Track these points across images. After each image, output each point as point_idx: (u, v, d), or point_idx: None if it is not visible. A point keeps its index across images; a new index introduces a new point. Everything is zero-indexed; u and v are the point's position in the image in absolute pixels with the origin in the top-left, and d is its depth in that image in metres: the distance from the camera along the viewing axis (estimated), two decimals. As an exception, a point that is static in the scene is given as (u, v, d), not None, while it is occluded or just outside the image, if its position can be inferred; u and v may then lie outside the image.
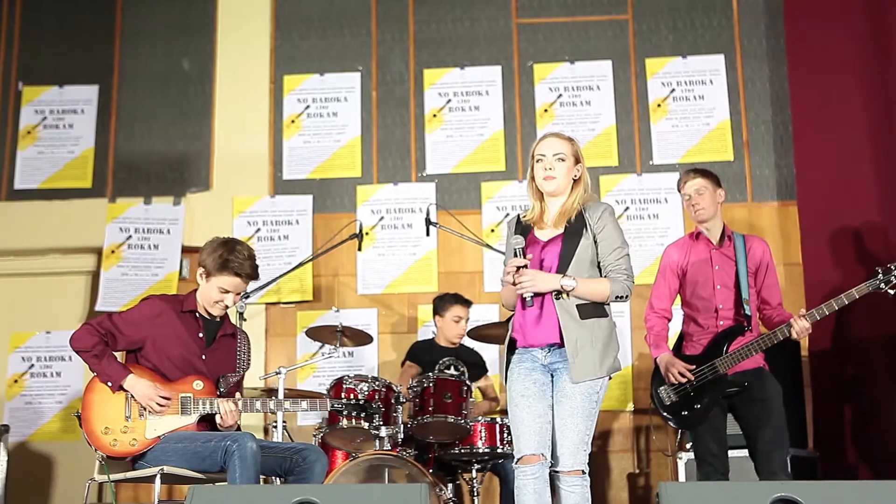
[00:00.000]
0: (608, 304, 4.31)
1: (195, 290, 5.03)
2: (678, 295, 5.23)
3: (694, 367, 4.96)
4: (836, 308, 4.81)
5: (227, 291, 4.92)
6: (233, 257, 4.89)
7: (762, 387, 4.90)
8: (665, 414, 5.14)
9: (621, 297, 4.25)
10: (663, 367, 5.03)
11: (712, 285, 5.05)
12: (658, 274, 5.26)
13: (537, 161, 4.35)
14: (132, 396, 4.71)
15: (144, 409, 4.71)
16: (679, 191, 5.23)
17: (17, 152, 7.80)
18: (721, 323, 5.01)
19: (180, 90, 7.89)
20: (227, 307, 4.99)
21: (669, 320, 5.21)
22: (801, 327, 4.80)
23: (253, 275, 4.98)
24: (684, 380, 4.96)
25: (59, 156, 7.79)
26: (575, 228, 4.29)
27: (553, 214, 4.36)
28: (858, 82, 6.81)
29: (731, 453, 5.01)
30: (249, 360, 5.15)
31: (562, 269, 4.22)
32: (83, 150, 7.79)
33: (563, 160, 4.32)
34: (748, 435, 4.90)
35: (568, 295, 4.20)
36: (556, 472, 4.21)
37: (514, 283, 4.18)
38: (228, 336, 5.07)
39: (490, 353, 6.87)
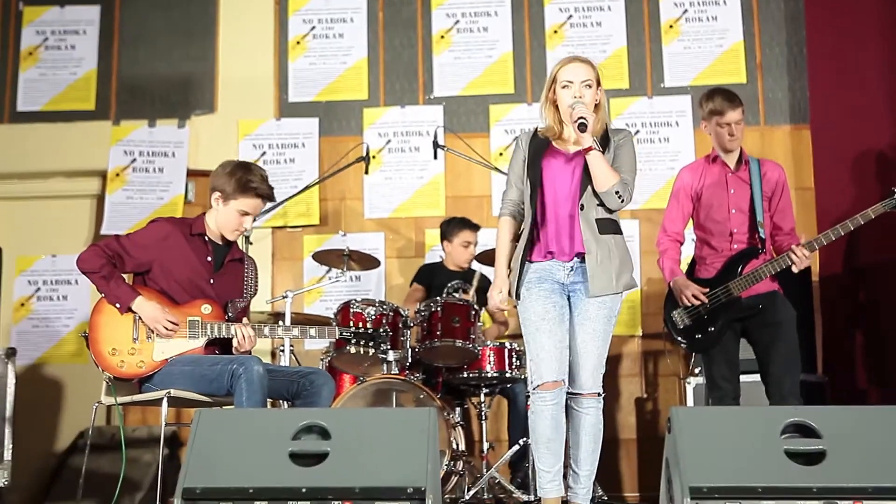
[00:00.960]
0: (618, 221, 4.34)
1: (203, 214, 4.97)
2: (691, 219, 5.17)
3: (707, 290, 4.93)
4: (852, 228, 4.76)
5: (247, 214, 4.86)
6: (252, 178, 4.82)
7: (776, 310, 4.88)
8: (678, 337, 5.12)
9: (620, 197, 4.20)
10: (677, 290, 5.00)
11: (727, 209, 5.00)
12: (671, 197, 5.19)
13: (563, 87, 4.28)
14: (140, 319, 4.69)
15: (152, 331, 4.69)
16: (708, 111, 5.05)
17: (19, 74, 7.70)
18: (735, 246, 4.97)
19: (183, 10, 7.75)
20: (245, 230, 4.95)
21: (682, 244, 5.17)
22: (797, 257, 4.75)
23: (271, 195, 4.94)
24: (698, 302, 4.92)
25: (62, 77, 7.69)
26: (600, 144, 4.26)
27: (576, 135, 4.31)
28: (875, 3, 6.68)
29: (742, 378, 4.99)
30: (257, 285, 5.12)
31: (584, 181, 4.23)
32: (85, 71, 7.69)
33: (589, 86, 4.27)
34: (760, 359, 4.89)
35: (588, 152, 4.17)
36: (574, 394, 4.24)
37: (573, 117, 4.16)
38: (236, 261, 5.03)
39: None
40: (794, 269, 4.82)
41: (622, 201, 4.23)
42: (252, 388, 4.46)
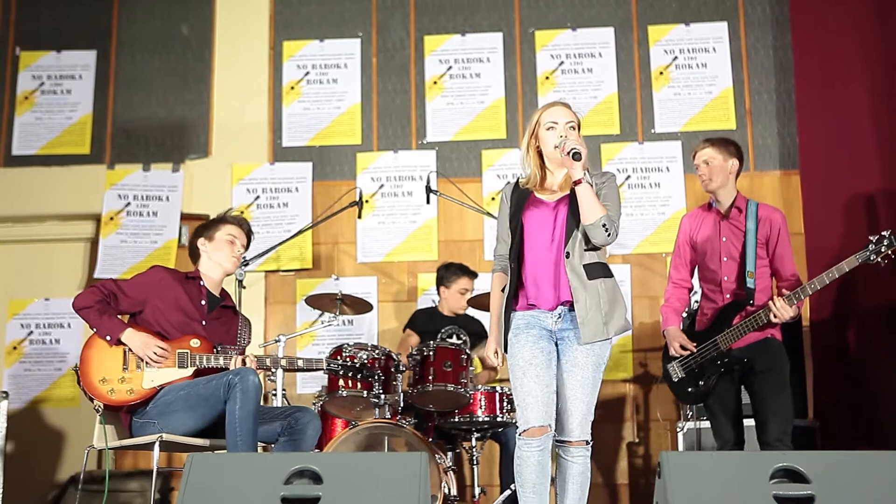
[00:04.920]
0: (608, 265, 4.32)
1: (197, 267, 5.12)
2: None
3: (696, 343, 4.94)
4: (827, 281, 4.69)
5: (234, 239, 5.11)
6: (224, 214, 5.23)
7: (765, 359, 4.84)
8: (672, 390, 5.15)
9: (607, 230, 4.16)
10: (668, 340, 5.01)
11: (719, 257, 4.97)
12: (675, 244, 5.21)
13: (548, 129, 4.31)
14: (130, 350, 4.74)
15: (142, 360, 4.73)
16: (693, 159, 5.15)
17: (15, 118, 7.75)
18: (727, 296, 4.93)
19: (179, 56, 7.83)
20: (241, 257, 5.22)
21: (690, 290, 5.15)
22: (777, 309, 4.71)
23: (244, 222, 5.25)
24: (686, 353, 4.95)
25: (57, 122, 7.74)
26: None
27: (559, 181, 4.35)
28: (862, 50, 6.76)
29: (745, 422, 4.97)
30: (249, 338, 5.19)
31: (570, 227, 4.22)
32: (81, 115, 7.74)
33: (574, 128, 4.31)
34: (753, 405, 4.86)
35: (578, 184, 4.16)
36: (562, 441, 4.21)
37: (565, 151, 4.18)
38: (229, 308, 5.13)
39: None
40: (774, 321, 4.75)
41: (608, 235, 4.17)
42: (246, 397, 4.51)
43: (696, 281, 5.19)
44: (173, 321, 4.87)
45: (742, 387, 4.95)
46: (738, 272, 4.93)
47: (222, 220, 5.18)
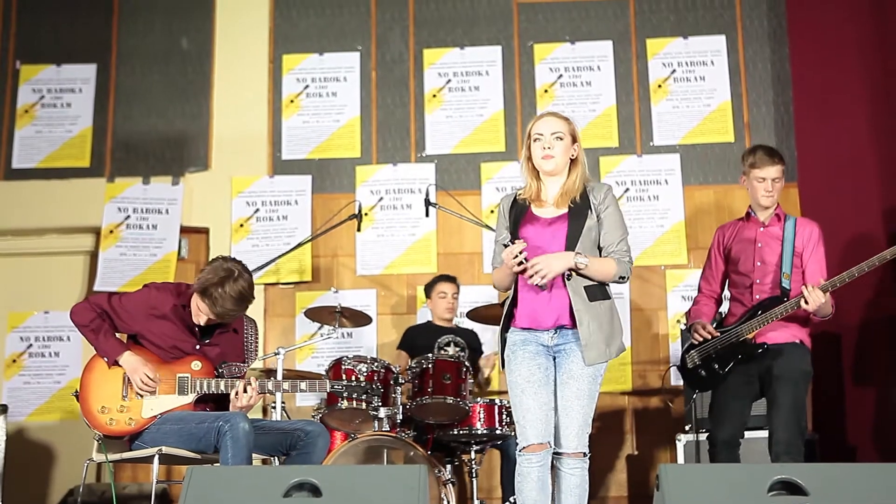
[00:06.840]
0: (608, 286, 4.31)
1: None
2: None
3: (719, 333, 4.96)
4: (867, 269, 4.65)
5: (201, 313, 4.82)
6: (218, 294, 4.70)
7: (783, 364, 4.82)
8: (686, 378, 5.16)
9: (623, 278, 4.28)
10: (693, 330, 5.04)
11: (753, 262, 5.00)
12: (707, 256, 5.25)
13: (534, 140, 4.33)
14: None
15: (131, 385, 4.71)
16: (748, 165, 5.06)
17: (15, 131, 7.76)
18: (757, 297, 4.94)
19: (179, 69, 7.85)
20: (198, 322, 4.87)
21: (719, 303, 5.19)
22: (809, 293, 4.66)
23: (227, 314, 4.78)
24: (708, 336, 4.95)
25: (57, 135, 7.75)
26: (580, 208, 4.27)
27: (554, 194, 4.33)
28: (860, 63, 6.77)
29: (748, 434, 4.97)
30: (257, 348, 5.13)
31: (569, 248, 4.21)
32: (81, 129, 7.76)
33: (560, 139, 4.30)
34: (767, 414, 4.86)
35: (577, 273, 4.19)
36: (559, 454, 4.21)
37: (523, 273, 4.16)
38: (229, 332, 5.01)
39: (488, 334, 6.85)
40: (805, 308, 4.71)
41: (625, 280, 4.30)
42: (238, 445, 4.47)
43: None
44: (168, 347, 4.82)
45: (761, 393, 4.94)
46: (772, 277, 4.94)
47: (206, 293, 4.70)
